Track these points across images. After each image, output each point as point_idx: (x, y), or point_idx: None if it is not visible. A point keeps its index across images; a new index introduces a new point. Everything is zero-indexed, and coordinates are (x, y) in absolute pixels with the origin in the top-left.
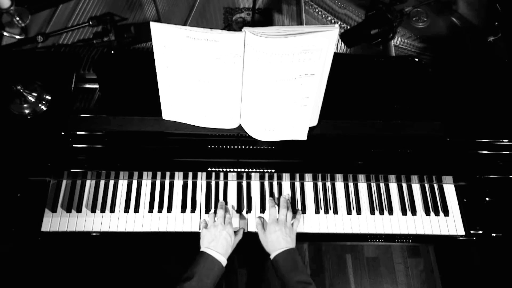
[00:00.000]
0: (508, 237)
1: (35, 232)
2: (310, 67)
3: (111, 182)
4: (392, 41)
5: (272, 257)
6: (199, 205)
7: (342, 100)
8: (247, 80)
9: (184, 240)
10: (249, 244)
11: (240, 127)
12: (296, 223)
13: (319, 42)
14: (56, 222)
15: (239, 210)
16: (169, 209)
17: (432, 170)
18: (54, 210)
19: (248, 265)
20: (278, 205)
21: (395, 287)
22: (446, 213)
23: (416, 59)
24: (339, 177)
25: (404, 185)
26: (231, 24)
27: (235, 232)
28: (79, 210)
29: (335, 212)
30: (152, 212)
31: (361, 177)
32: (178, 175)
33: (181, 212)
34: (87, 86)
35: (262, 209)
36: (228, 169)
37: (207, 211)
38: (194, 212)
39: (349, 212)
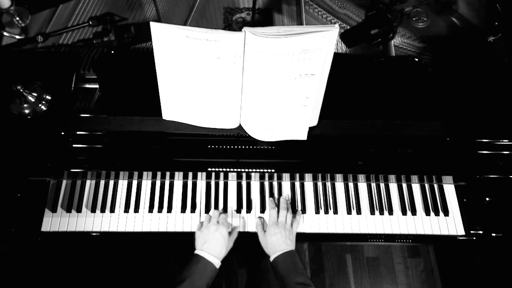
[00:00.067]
0: (508, 237)
1: (35, 232)
2: (310, 67)
3: (111, 182)
4: (392, 41)
5: (271, 259)
6: (199, 205)
7: (342, 100)
8: (247, 80)
9: (184, 240)
10: (249, 244)
11: (240, 127)
12: (296, 224)
13: (319, 42)
14: (56, 222)
15: (239, 210)
16: (169, 209)
17: (432, 170)
18: (54, 210)
19: (248, 265)
20: (278, 206)
21: (395, 287)
22: (446, 213)
23: (416, 59)
24: (339, 177)
25: (404, 185)
26: (231, 24)
27: (230, 232)
28: (79, 210)
29: (335, 212)
30: (152, 212)
31: (361, 177)
32: (178, 175)
33: (181, 212)
34: (87, 86)
35: (262, 209)
36: (228, 169)
37: (207, 211)
38: (194, 212)
39: (349, 212)
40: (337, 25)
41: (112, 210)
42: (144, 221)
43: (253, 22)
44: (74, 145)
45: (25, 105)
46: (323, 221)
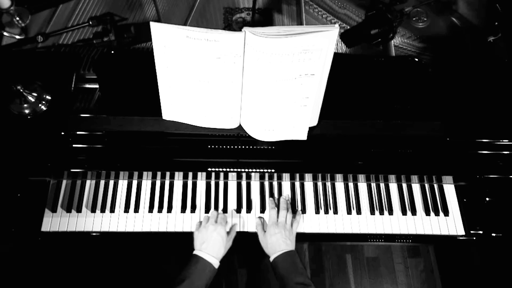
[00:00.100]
0: (508, 237)
1: (35, 232)
2: (310, 67)
3: (111, 182)
4: (392, 41)
5: (271, 259)
6: (199, 205)
7: (342, 100)
8: (247, 80)
9: (184, 240)
10: (249, 244)
11: (240, 127)
12: (296, 224)
13: (319, 42)
14: (56, 222)
15: (239, 210)
16: (169, 209)
17: (432, 170)
18: (54, 210)
19: (248, 265)
20: (278, 206)
21: (395, 287)
22: (446, 213)
23: (416, 59)
24: (339, 177)
25: (404, 185)
26: (231, 24)
27: (228, 232)
28: (79, 210)
29: (335, 212)
30: (152, 212)
31: (361, 177)
32: (178, 175)
33: (181, 212)
34: (87, 86)
35: (262, 209)
36: (228, 169)
37: (207, 211)
38: (194, 212)
39: (349, 212)
40: (337, 25)
41: (112, 210)
42: (144, 221)
43: (253, 22)
44: (74, 145)
45: (25, 105)
46: (323, 221)
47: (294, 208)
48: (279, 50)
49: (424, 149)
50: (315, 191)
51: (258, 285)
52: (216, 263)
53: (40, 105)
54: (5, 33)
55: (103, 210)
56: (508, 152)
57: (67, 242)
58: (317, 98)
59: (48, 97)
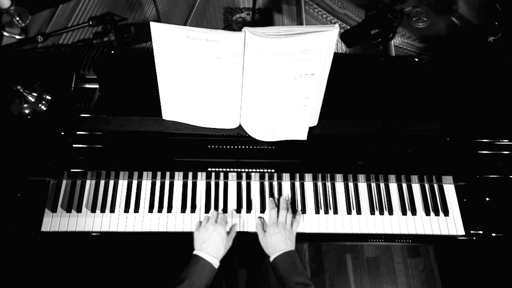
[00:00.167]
0: (508, 237)
1: (35, 232)
2: (310, 67)
3: (111, 182)
4: (392, 41)
5: (271, 259)
6: (199, 205)
7: (342, 100)
8: (247, 80)
9: (184, 240)
10: (249, 244)
11: (240, 127)
12: (296, 224)
13: (319, 42)
14: (56, 222)
15: (239, 210)
16: (169, 209)
17: (432, 170)
18: (54, 210)
19: (248, 265)
20: (278, 206)
21: (395, 287)
22: (446, 213)
23: (416, 59)
24: (339, 177)
25: (404, 185)
26: (231, 24)
27: (228, 232)
28: (79, 210)
29: (335, 212)
30: (152, 212)
31: (361, 177)
32: (178, 175)
33: (181, 212)
34: (87, 86)
35: (262, 209)
36: (228, 169)
37: (207, 211)
38: (194, 212)
39: (349, 212)
40: (337, 25)
41: (112, 210)
42: (144, 221)
43: (253, 22)
44: (74, 145)
45: (25, 105)
46: (323, 221)
47: (294, 208)
48: (279, 50)
49: (424, 149)
50: (315, 191)
51: (258, 285)
52: (216, 263)
53: (40, 105)
54: (5, 33)
55: (103, 210)
56: (508, 152)
57: (67, 242)
58: (317, 98)
59: (48, 97)
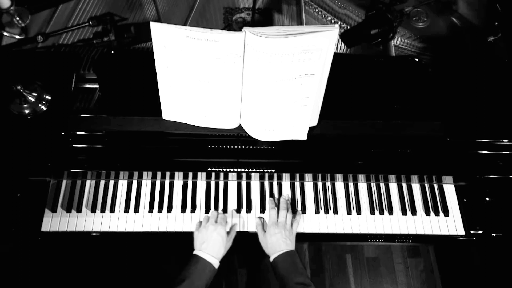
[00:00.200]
0: (508, 237)
1: (35, 232)
2: (310, 67)
3: (111, 182)
4: (392, 41)
5: (271, 259)
6: (199, 205)
7: (342, 100)
8: (247, 80)
9: (184, 240)
10: (249, 244)
11: (240, 127)
12: (296, 224)
13: (319, 42)
14: (56, 222)
15: (239, 210)
16: (169, 209)
17: (432, 170)
18: (54, 210)
19: (248, 265)
20: (278, 206)
21: (395, 287)
22: (446, 213)
23: (416, 59)
24: (339, 177)
25: (404, 185)
26: (231, 24)
27: (228, 232)
28: (79, 210)
29: (335, 212)
30: (152, 212)
31: (361, 177)
32: (178, 175)
33: (181, 212)
34: (87, 86)
35: (262, 209)
36: (228, 169)
37: (207, 211)
38: (194, 212)
39: (349, 212)
40: (337, 25)
41: (112, 210)
42: (144, 221)
43: (253, 22)
44: (74, 145)
45: (25, 105)
46: (323, 221)
47: (294, 208)
48: (279, 50)
49: (424, 149)
50: (315, 191)
51: (258, 285)
52: (216, 263)
53: (40, 105)
54: (5, 33)
55: (103, 210)
56: (508, 152)
57: (67, 242)
58: (317, 98)
59: (48, 97)
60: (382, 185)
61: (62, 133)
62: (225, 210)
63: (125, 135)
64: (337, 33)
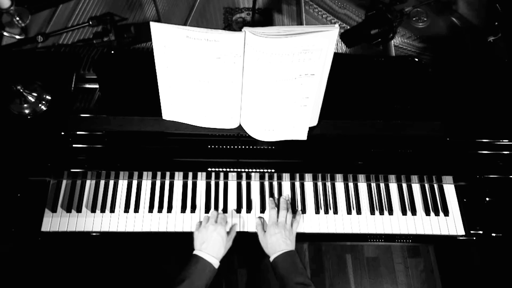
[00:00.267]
0: (508, 237)
1: (35, 232)
2: (310, 67)
3: (111, 182)
4: (392, 41)
5: (271, 259)
6: (199, 205)
7: (342, 100)
8: (247, 80)
9: (184, 240)
10: (249, 244)
11: (240, 127)
12: (296, 224)
13: (319, 42)
14: (56, 222)
15: (239, 210)
16: (169, 209)
17: (432, 170)
18: (54, 210)
19: (248, 265)
20: (278, 206)
21: (395, 287)
22: (446, 213)
23: (416, 59)
24: (339, 177)
25: (404, 185)
26: (231, 24)
27: (228, 232)
28: (79, 210)
29: (335, 212)
30: (152, 212)
31: (361, 177)
32: (178, 175)
33: (181, 212)
34: (87, 86)
35: (262, 209)
36: (228, 169)
37: (207, 211)
38: (194, 212)
39: (349, 212)
40: (337, 25)
41: (112, 210)
42: (144, 221)
43: (253, 22)
44: (74, 145)
45: (25, 105)
46: (323, 221)
47: (294, 208)
48: (279, 50)
49: (424, 149)
50: (315, 191)
51: (258, 285)
52: (216, 263)
53: (40, 105)
54: (5, 33)
55: (103, 210)
56: (508, 152)
57: (67, 242)
58: (317, 98)
59: (48, 97)
60: (382, 185)
61: (62, 133)
62: (225, 210)
63: (125, 135)
64: (337, 33)
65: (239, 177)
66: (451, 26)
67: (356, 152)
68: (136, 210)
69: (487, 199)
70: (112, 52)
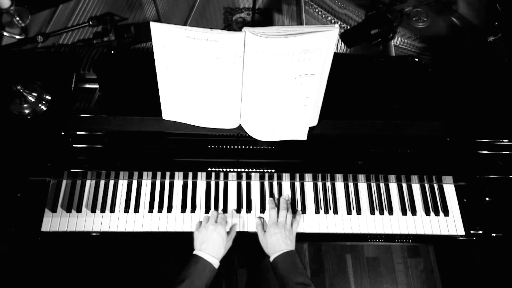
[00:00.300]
0: (508, 237)
1: (35, 232)
2: (310, 67)
3: (111, 182)
4: (392, 41)
5: (271, 259)
6: (199, 205)
7: (342, 100)
8: (247, 80)
9: (184, 240)
10: (249, 244)
11: (240, 127)
12: (296, 224)
13: (319, 42)
14: (56, 222)
15: (239, 210)
16: (169, 209)
17: (432, 170)
18: (54, 210)
19: (248, 265)
20: (278, 206)
21: (395, 287)
22: (446, 213)
23: (416, 59)
24: (339, 177)
25: (404, 185)
26: (231, 24)
27: (228, 232)
28: (79, 210)
29: (335, 212)
30: (152, 212)
31: (361, 177)
32: (178, 175)
33: (181, 212)
34: (87, 86)
35: (262, 209)
36: (228, 169)
37: (207, 211)
38: (194, 212)
39: (349, 212)
40: (337, 25)
41: (112, 210)
42: (144, 221)
43: (253, 22)
44: (74, 145)
45: (25, 105)
46: (323, 221)
47: (294, 208)
48: (279, 50)
49: (424, 149)
50: (315, 191)
51: (258, 285)
52: (216, 263)
53: (40, 105)
54: (5, 33)
55: (103, 210)
56: (508, 152)
57: (67, 242)
58: (317, 98)
59: (48, 97)
60: (382, 185)
61: (62, 133)
62: (225, 210)
63: (125, 135)
64: (337, 33)
65: (239, 177)
66: (451, 26)
67: (356, 152)
68: (136, 210)
69: (487, 199)
70: (112, 52)
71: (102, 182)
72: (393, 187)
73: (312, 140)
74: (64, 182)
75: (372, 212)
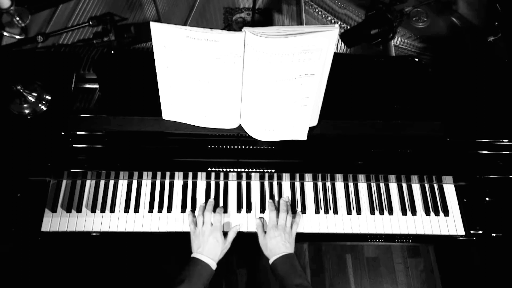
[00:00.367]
0: (508, 237)
1: (35, 232)
2: (310, 67)
3: (111, 182)
4: (392, 41)
5: (271, 261)
6: (199, 205)
7: (342, 100)
8: (247, 80)
9: (184, 240)
10: (249, 245)
11: (240, 127)
12: (295, 226)
13: (319, 42)
14: (56, 222)
15: (239, 210)
16: (169, 209)
17: (432, 170)
18: (54, 210)
19: (248, 266)
20: (278, 208)
21: (395, 287)
22: (446, 213)
23: (416, 59)
24: (339, 177)
25: (404, 185)
26: (231, 24)
27: (227, 233)
28: (79, 210)
29: (335, 212)
30: (152, 212)
31: (361, 177)
32: (178, 175)
33: (181, 212)
34: (87, 86)
35: (262, 209)
36: (228, 169)
37: None
38: (194, 212)
39: (349, 212)
40: (337, 25)
41: (112, 210)
42: (144, 221)
43: (253, 22)
44: (74, 145)
45: (25, 105)
46: (323, 221)
47: (294, 208)
48: (279, 50)
49: (424, 149)
50: (315, 191)
51: (258, 285)
52: (213, 265)
53: (40, 105)
54: (5, 33)
55: (103, 210)
56: (508, 152)
57: (67, 242)
58: (317, 98)
59: (48, 97)
60: (382, 185)
61: (62, 133)
62: (225, 210)
63: (125, 135)
64: (337, 33)
65: (239, 177)
66: (451, 26)
67: (356, 152)
68: (136, 210)
69: (487, 199)
70: (112, 52)
71: (102, 182)
72: (393, 187)
73: (312, 140)
74: (64, 182)
75: (372, 212)
